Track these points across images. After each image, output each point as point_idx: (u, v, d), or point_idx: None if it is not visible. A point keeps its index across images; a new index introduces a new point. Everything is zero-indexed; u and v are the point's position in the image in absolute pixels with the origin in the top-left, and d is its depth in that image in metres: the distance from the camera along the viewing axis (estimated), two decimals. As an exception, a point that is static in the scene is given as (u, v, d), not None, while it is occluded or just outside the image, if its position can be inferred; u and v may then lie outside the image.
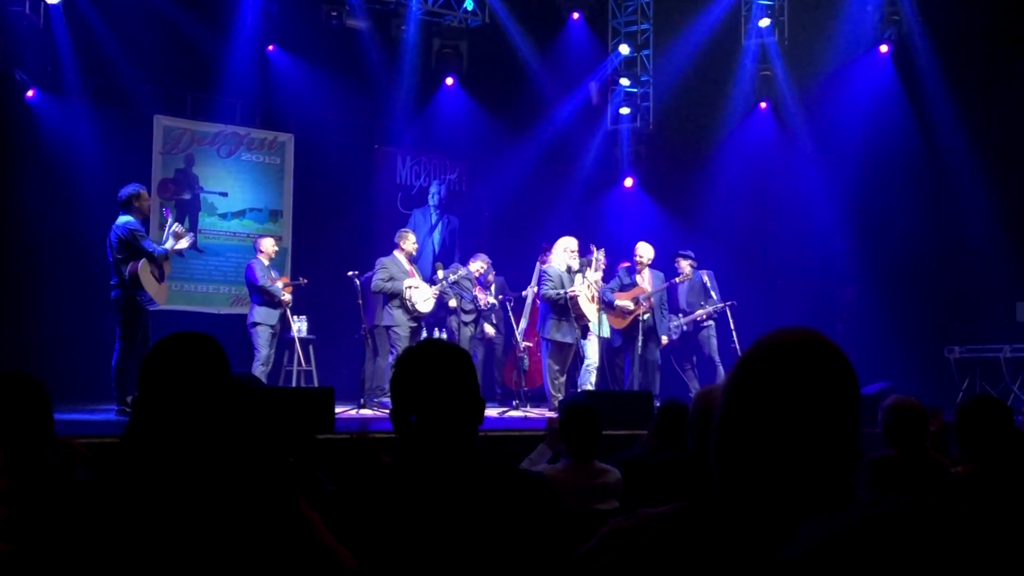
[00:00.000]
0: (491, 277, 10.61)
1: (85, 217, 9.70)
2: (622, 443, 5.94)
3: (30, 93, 10.15)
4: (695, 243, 11.87)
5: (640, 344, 9.91)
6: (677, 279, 10.11)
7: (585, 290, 9.34)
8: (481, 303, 10.07)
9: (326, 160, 11.90)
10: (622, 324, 10.09)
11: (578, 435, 4.16)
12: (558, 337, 9.27)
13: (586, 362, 10.04)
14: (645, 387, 9.78)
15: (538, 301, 10.57)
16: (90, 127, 10.36)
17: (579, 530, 3.30)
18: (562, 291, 9.18)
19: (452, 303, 9.84)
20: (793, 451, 1.25)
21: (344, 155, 12.06)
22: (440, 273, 9.81)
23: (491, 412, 8.92)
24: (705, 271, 10.24)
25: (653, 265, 10.22)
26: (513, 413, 9.17)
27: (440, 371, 2.07)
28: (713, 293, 10.07)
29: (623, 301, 9.95)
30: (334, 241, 11.87)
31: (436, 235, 12.98)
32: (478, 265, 10.26)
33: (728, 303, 9.99)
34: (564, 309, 9.20)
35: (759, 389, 1.28)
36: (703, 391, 3.70)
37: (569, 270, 9.35)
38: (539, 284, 9.84)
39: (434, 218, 13.03)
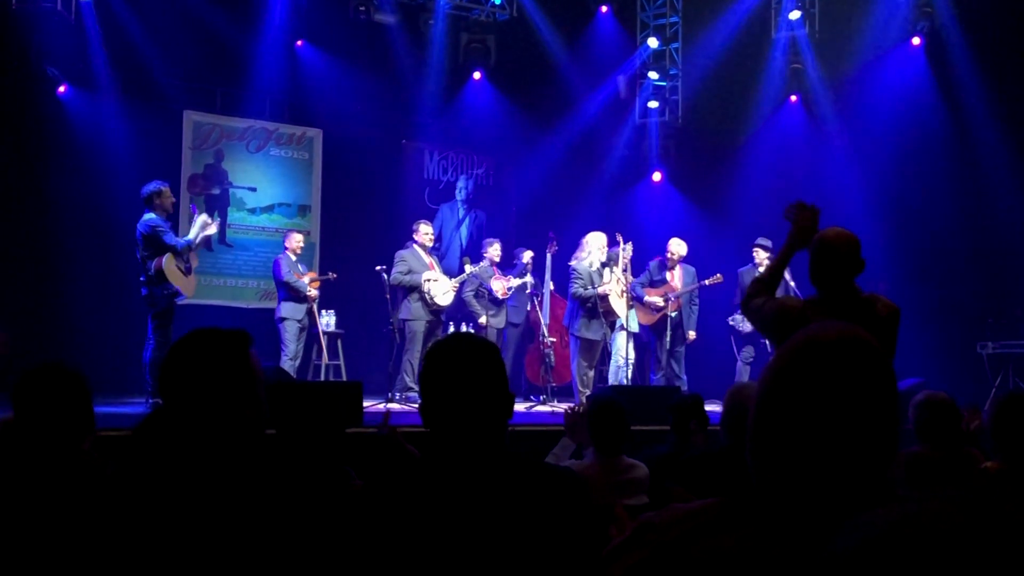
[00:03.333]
0: (527, 257, 10.54)
1: (115, 212, 9.78)
2: (650, 438, 5.92)
3: (61, 89, 10.25)
4: (724, 238, 11.82)
5: (668, 339, 9.88)
6: (707, 281, 10.00)
7: (615, 286, 9.31)
8: (498, 292, 9.93)
9: (354, 155, 11.94)
10: (650, 320, 10.07)
11: (606, 430, 4.15)
12: (588, 335, 9.25)
13: (614, 358, 10.02)
14: (671, 382, 9.75)
15: (556, 295, 10.57)
16: (120, 122, 10.44)
17: (608, 525, 3.29)
18: (592, 289, 9.15)
19: (480, 315, 9.77)
20: (831, 447, 1.24)
21: (372, 150, 12.09)
22: (468, 267, 9.83)
23: (518, 407, 8.92)
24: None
25: (684, 260, 10.18)
26: (540, 408, 9.16)
27: (468, 365, 2.06)
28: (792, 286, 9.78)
29: (653, 297, 9.93)
30: (362, 236, 11.91)
31: (463, 230, 12.99)
32: (495, 249, 10.18)
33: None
34: (593, 307, 9.19)
35: (796, 384, 1.27)
36: (736, 387, 3.70)
37: (600, 266, 9.32)
38: (555, 279, 9.83)
39: (461, 213, 13.04)
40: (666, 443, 5.00)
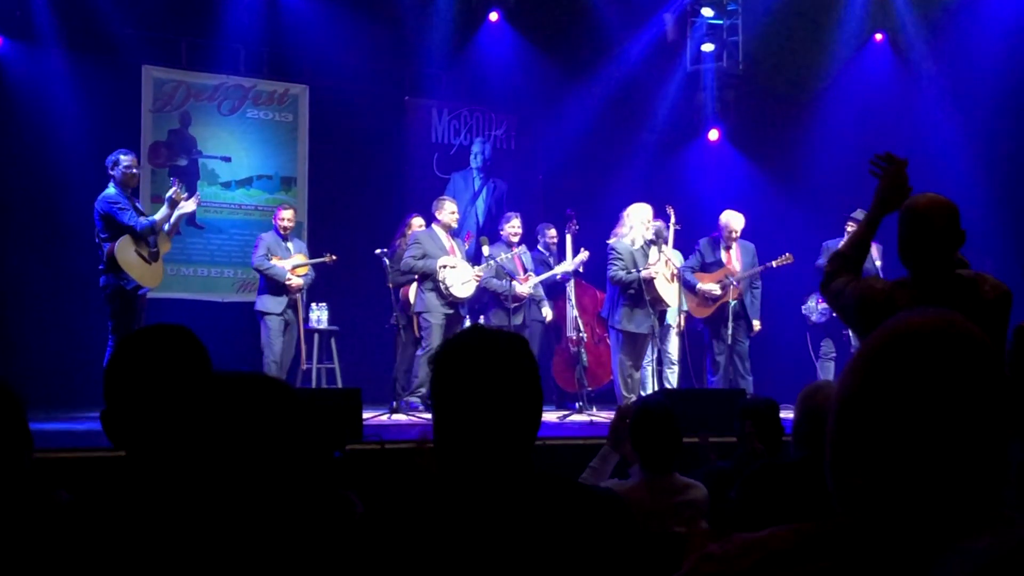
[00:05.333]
0: (551, 235, 10.58)
1: (63, 189, 9.85)
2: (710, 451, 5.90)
3: (-4, 43, 10.32)
4: (795, 206, 11.74)
5: (729, 332, 9.83)
6: (775, 262, 9.93)
7: (663, 268, 9.24)
8: (518, 288, 9.85)
9: (347, 116, 11.94)
10: (705, 312, 10.02)
11: (654, 443, 4.15)
12: (631, 327, 9.22)
13: (649, 356, 9.99)
14: (735, 383, 9.72)
15: (584, 282, 10.54)
16: (68, 81, 10.49)
17: (660, 557, 3.29)
18: (634, 272, 9.11)
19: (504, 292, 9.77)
20: (927, 459, 1.23)
21: (369, 109, 12.08)
22: (486, 249, 9.80)
23: (550, 416, 8.92)
24: (873, 242, 9.73)
25: (744, 235, 10.11)
26: (576, 417, 9.15)
27: (491, 365, 2.05)
28: (878, 265, 9.68)
29: (707, 285, 9.86)
30: (358, 212, 11.93)
31: (480, 203, 12.98)
32: (512, 227, 10.11)
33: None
34: (638, 294, 9.15)
35: (886, 385, 1.26)
36: (811, 387, 3.67)
37: (645, 244, 9.28)
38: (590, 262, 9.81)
39: (477, 183, 13.04)
40: (731, 457, 4.99)
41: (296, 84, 12.13)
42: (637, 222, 9.34)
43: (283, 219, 9.81)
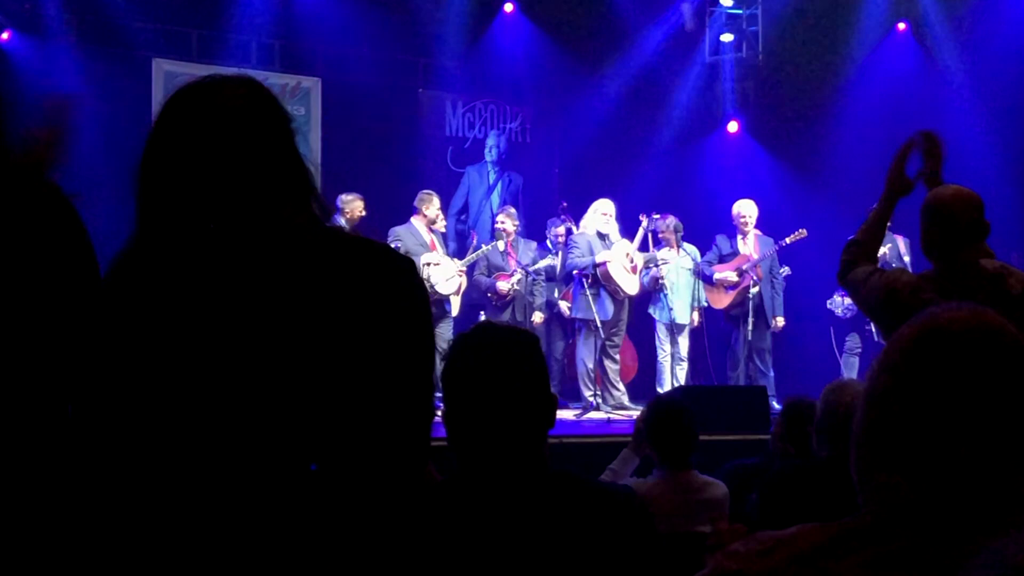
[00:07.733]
0: (558, 230, 10.68)
1: (74, 188, 9.85)
2: (729, 450, 5.90)
3: (4, 36, 10.34)
4: (817, 199, 11.70)
5: (749, 327, 9.83)
6: (788, 239, 9.96)
7: (622, 258, 9.45)
8: (500, 288, 9.92)
9: (360, 109, 11.95)
10: (726, 302, 10.06)
11: (669, 439, 4.15)
12: (581, 315, 9.50)
13: (658, 352, 10.02)
14: (755, 380, 9.72)
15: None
16: (77, 75, 10.51)
17: (679, 556, 3.27)
18: (589, 258, 9.26)
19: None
20: (961, 458, 1.23)
21: (382, 102, 12.09)
22: (500, 244, 9.82)
23: (566, 414, 8.92)
24: (900, 236, 9.79)
25: (760, 226, 10.12)
26: (594, 415, 9.16)
27: (500, 362, 2.04)
28: (906, 260, 9.68)
29: (724, 273, 9.92)
30: (372, 207, 11.90)
31: (495, 197, 12.96)
32: (502, 220, 10.23)
33: None
34: (593, 280, 9.37)
35: (918, 381, 1.27)
36: (835, 385, 3.67)
37: (601, 236, 9.42)
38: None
39: (492, 177, 13.03)
40: (758, 454, 4.98)
41: (308, 77, 12.13)
42: (593, 213, 9.64)
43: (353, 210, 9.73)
